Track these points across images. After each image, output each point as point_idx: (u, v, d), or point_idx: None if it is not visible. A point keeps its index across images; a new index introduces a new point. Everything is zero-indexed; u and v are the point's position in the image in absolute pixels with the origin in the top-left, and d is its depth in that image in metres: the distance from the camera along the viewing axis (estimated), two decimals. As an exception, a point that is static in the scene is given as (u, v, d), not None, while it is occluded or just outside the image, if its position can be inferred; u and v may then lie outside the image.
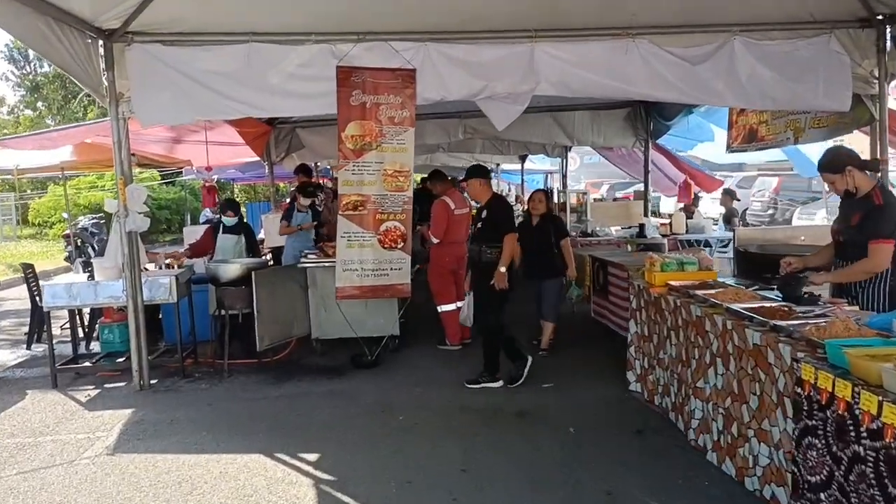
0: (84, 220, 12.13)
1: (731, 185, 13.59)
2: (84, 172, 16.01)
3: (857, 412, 2.57)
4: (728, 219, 10.54)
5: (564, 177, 14.65)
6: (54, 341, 6.43)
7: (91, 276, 6.21)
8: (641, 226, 9.68)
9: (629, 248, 9.22)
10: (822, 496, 2.79)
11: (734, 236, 6.77)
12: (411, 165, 6.17)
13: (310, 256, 7.07)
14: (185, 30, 5.61)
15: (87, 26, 5.35)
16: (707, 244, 9.19)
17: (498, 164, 20.10)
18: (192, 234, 8.61)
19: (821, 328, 3.17)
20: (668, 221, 10.50)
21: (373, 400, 5.46)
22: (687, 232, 9.76)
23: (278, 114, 8.08)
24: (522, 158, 17.07)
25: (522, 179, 19.47)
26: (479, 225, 5.82)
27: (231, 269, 6.58)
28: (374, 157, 5.98)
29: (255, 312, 6.32)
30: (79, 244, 11.24)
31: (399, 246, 6.16)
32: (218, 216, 8.33)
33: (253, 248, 7.76)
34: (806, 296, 3.83)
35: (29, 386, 6.21)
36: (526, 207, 7.59)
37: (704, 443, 4.13)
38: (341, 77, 5.68)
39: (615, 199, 18.40)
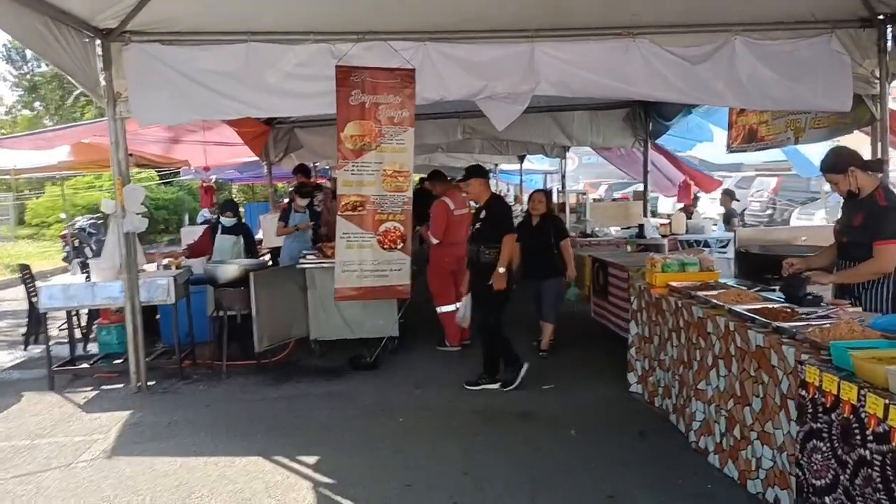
0: (82, 221, 12.05)
1: (729, 186, 13.57)
2: (81, 172, 15.95)
3: (862, 415, 2.54)
4: (727, 219, 10.51)
5: (563, 177, 14.63)
6: (51, 342, 6.39)
7: (88, 277, 6.17)
8: (641, 226, 9.66)
9: (629, 248, 9.20)
10: (827, 500, 2.76)
11: (735, 237, 6.73)
12: (411, 166, 6.14)
13: (308, 257, 7.03)
14: (183, 29, 5.57)
15: (85, 26, 5.32)
16: (706, 244, 9.16)
17: (496, 165, 20.09)
18: (190, 234, 8.57)
19: (825, 330, 3.15)
20: (667, 222, 10.47)
21: (372, 401, 5.43)
22: (686, 232, 9.74)
23: (277, 113, 8.04)
24: (521, 159, 17.05)
25: (521, 180, 19.45)
26: (477, 225, 5.78)
27: (229, 270, 6.55)
28: (374, 158, 5.94)
29: (254, 313, 6.29)
30: (76, 244, 11.19)
31: (398, 247, 6.13)
32: (216, 216, 8.30)
33: (251, 248, 7.72)
34: (809, 297, 3.81)
35: (26, 387, 6.17)
36: (526, 208, 7.57)
37: (706, 445, 4.10)
38: (340, 77, 5.65)
39: (614, 200, 18.37)
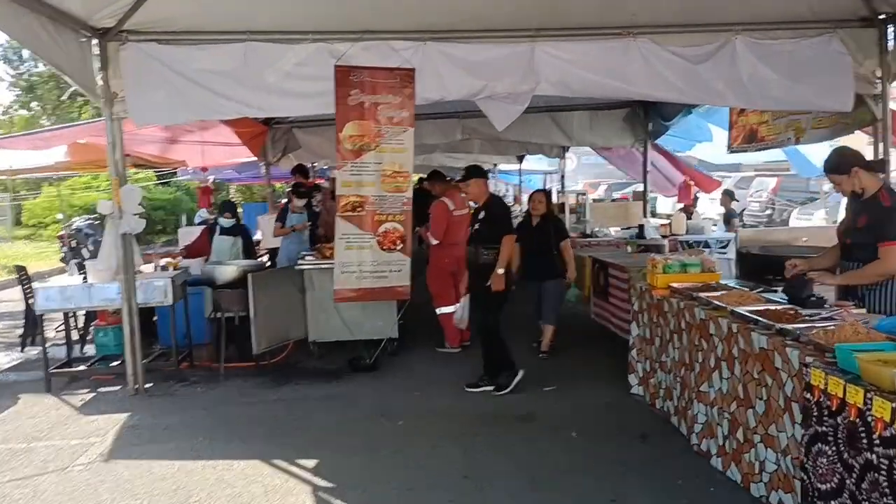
0: (79, 221, 11.99)
1: (728, 186, 13.55)
2: (78, 173, 15.90)
3: (869, 419, 2.51)
4: (727, 219, 10.49)
5: (563, 177, 14.60)
6: (48, 344, 6.35)
7: (85, 279, 6.12)
8: (641, 227, 9.63)
9: (629, 249, 9.17)
10: (833, 504, 2.74)
11: (736, 238, 6.71)
12: (411, 166, 6.11)
13: (307, 258, 6.99)
14: (180, 28, 5.54)
15: (82, 25, 5.28)
16: (706, 245, 9.14)
17: (495, 165, 20.05)
18: (188, 234, 8.54)
19: (829, 332, 3.11)
20: (667, 222, 10.44)
21: (371, 404, 5.40)
22: (686, 233, 9.71)
23: (275, 113, 8.00)
24: (520, 159, 17.02)
25: (520, 180, 19.41)
26: (476, 226, 5.73)
27: (227, 272, 6.51)
28: (373, 158, 5.91)
29: (252, 315, 6.25)
30: (74, 245, 11.14)
31: (398, 247, 6.09)
32: (214, 217, 8.25)
33: (250, 250, 7.69)
34: (812, 298, 3.77)
35: (22, 390, 6.13)
36: (525, 208, 7.53)
37: (708, 448, 4.07)
38: (339, 76, 5.61)
39: (613, 200, 18.35)
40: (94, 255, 8.55)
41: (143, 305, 5.99)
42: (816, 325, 3.35)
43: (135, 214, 5.79)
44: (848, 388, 2.63)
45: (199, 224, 10.95)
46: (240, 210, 9.64)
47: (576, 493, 3.81)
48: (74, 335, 7.26)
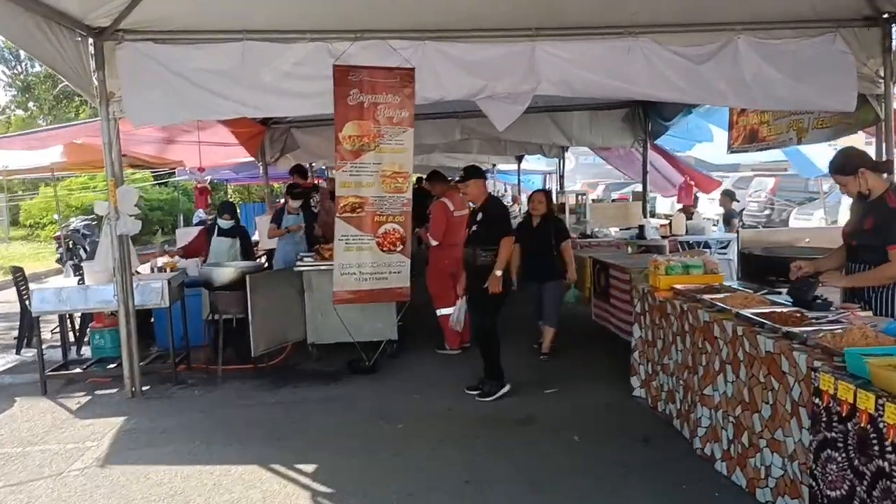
0: (76, 222, 11.97)
1: (727, 186, 13.50)
2: (75, 173, 15.82)
3: (881, 425, 2.46)
4: (728, 220, 10.45)
5: (562, 177, 14.56)
6: (44, 346, 6.29)
7: (82, 280, 6.06)
8: (641, 227, 9.58)
9: (629, 249, 9.13)
10: (842, 511, 2.69)
11: (738, 238, 6.67)
12: (410, 166, 6.05)
13: (306, 259, 6.93)
14: (177, 27, 5.47)
15: (77, 24, 5.21)
16: (707, 245, 9.10)
17: (494, 165, 20.01)
18: (185, 235, 8.48)
19: (837, 335, 3.06)
20: (667, 223, 10.40)
21: (371, 406, 5.35)
22: (686, 233, 9.67)
23: (273, 113, 7.94)
24: (519, 159, 16.98)
25: (519, 180, 19.36)
26: (474, 227, 5.65)
27: (225, 273, 6.45)
28: (373, 158, 5.85)
29: (250, 317, 6.19)
30: (70, 246, 11.08)
31: (398, 249, 6.03)
32: (212, 217, 8.19)
33: (248, 251, 7.62)
34: (818, 301, 3.73)
35: (18, 392, 6.06)
36: (525, 208, 7.48)
37: (712, 451, 4.02)
38: (338, 76, 5.55)
39: (613, 201, 18.31)
40: (90, 256, 8.51)
41: (139, 307, 5.93)
42: (823, 328, 3.30)
43: (131, 216, 5.73)
44: (858, 394, 2.58)
45: (197, 224, 10.89)
46: (238, 210, 9.56)
47: (577, 495, 3.77)
48: (71, 337, 7.21)
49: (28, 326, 7.40)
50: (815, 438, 2.88)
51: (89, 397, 5.83)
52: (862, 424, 2.56)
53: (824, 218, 14.73)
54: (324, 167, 16.94)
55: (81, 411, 5.49)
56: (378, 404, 5.38)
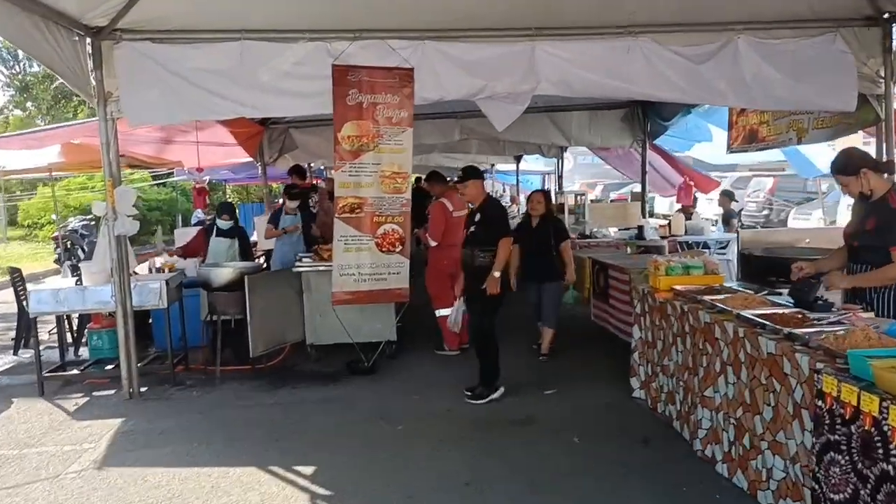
0: (74, 222, 11.94)
1: (725, 186, 13.49)
2: (73, 173, 15.77)
3: (885, 428, 2.44)
4: (727, 220, 10.43)
5: (560, 177, 14.54)
6: (42, 347, 6.25)
7: (79, 281, 6.03)
8: (640, 227, 9.56)
9: (628, 249, 9.12)
10: (846, 515, 2.66)
11: (738, 239, 6.65)
12: (409, 167, 6.03)
13: (304, 260, 6.90)
14: (175, 27, 5.45)
15: (75, 24, 5.19)
16: (706, 246, 9.09)
17: (493, 165, 19.98)
18: (184, 236, 8.45)
19: (839, 337, 3.04)
20: (666, 223, 10.38)
21: (370, 407, 5.32)
22: (685, 233, 9.65)
23: (272, 113, 7.91)
24: (518, 159, 16.96)
25: (518, 180, 19.34)
26: (472, 228, 5.61)
27: (223, 274, 6.43)
28: (372, 159, 5.83)
29: (249, 317, 6.16)
30: (69, 246, 11.05)
31: (397, 249, 6.01)
32: (210, 217, 8.17)
33: (247, 252, 7.60)
34: (820, 302, 3.71)
35: (15, 393, 6.03)
36: (524, 208, 7.46)
37: (713, 453, 4.01)
38: (337, 76, 5.53)
39: (612, 201, 18.29)
40: (89, 257, 8.47)
41: (137, 308, 5.90)
42: (825, 329, 3.28)
43: (129, 216, 5.69)
44: (862, 396, 2.56)
45: (196, 225, 10.86)
46: (237, 211, 9.53)
47: (576, 496, 3.76)
48: (68, 338, 7.18)
49: (25, 327, 7.37)
50: (818, 441, 2.86)
51: (87, 398, 5.80)
52: (866, 427, 2.54)
53: (823, 218, 14.73)
54: (322, 167, 16.90)
55: (79, 413, 5.46)
56: (377, 405, 5.36)
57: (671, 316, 4.66)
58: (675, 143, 11.31)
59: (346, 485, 3.98)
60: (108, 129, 5.57)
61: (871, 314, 3.64)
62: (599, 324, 7.13)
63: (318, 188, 10.73)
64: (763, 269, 5.14)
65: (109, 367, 6.18)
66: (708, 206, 15.73)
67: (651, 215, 13.02)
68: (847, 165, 3.81)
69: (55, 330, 7.15)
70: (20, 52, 30.12)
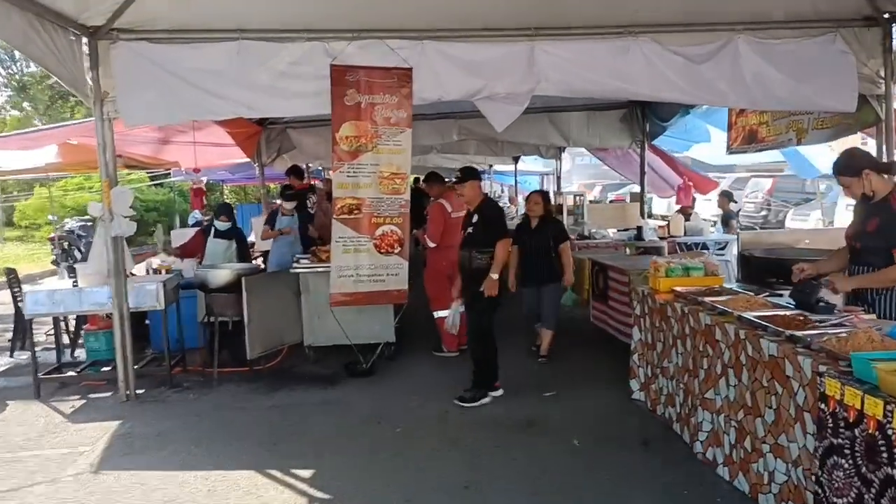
0: (71, 223, 11.93)
1: (723, 187, 13.49)
2: (70, 174, 15.73)
3: (889, 432, 2.42)
4: (726, 221, 10.42)
5: (558, 178, 14.52)
6: (38, 349, 6.22)
7: (76, 282, 5.99)
8: (639, 228, 9.55)
9: (627, 250, 9.09)
10: (849, 519, 2.64)
11: (738, 240, 6.63)
12: (408, 168, 6.00)
13: (302, 261, 6.87)
14: (172, 27, 5.41)
15: (71, 23, 5.16)
16: (705, 247, 9.07)
17: (491, 166, 19.95)
18: (181, 236, 8.42)
19: (842, 339, 3.02)
20: (665, 224, 10.37)
21: (368, 409, 5.29)
22: (684, 234, 9.64)
23: (269, 114, 7.88)
24: (515, 159, 16.94)
25: (516, 181, 19.32)
26: (469, 230, 5.58)
27: (221, 275, 6.40)
28: (370, 159, 5.80)
29: (246, 319, 6.13)
30: (66, 247, 11.02)
31: (396, 251, 5.98)
32: (208, 218, 8.14)
33: (244, 254, 7.57)
34: (821, 304, 3.69)
35: (11, 396, 5.99)
36: (522, 209, 7.43)
37: (714, 456, 3.98)
38: (335, 76, 5.50)
39: (611, 202, 18.28)
40: (86, 258, 8.43)
41: (134, 310, 5.86)
42: (828, 331, 3.25)
43: (126, 217, 5.66)
44: (866, 400, 2.53)
45: (193, 226, 10.84)
46: (234, 212, 9.50)
47: (576, 498, 3.75)
48: (65, 340, 7.14)
49: (21, 329, 7.33)
50: (821, 445, 2.83)
51: (83, 401, 5.76)
52: (870, 431, 2.52)
53: (821, 219, 14.72)
54: (320, 168, 16.87)
55: (75, 415, 5.43)
56: (376, 407, 5.33)
57: (671, 317, 4.63)
58: (674, 144, 11.28)
59: (345, 487, 3.95)
60: (104, 129, 5.53)
61: (873, 316, 3.62)
62: (599, 325, 7.11)
63: (315, 189, 10.70)
64: (763, 270, 5.11)
65: (106, 368, 6.14)
66: (706, 207, 15.72)
67: (649, 216, 13.02)
68: (849, 166, 3.79)
69: (52, 331, 7.10)
70: (17, 52, 30.02)
